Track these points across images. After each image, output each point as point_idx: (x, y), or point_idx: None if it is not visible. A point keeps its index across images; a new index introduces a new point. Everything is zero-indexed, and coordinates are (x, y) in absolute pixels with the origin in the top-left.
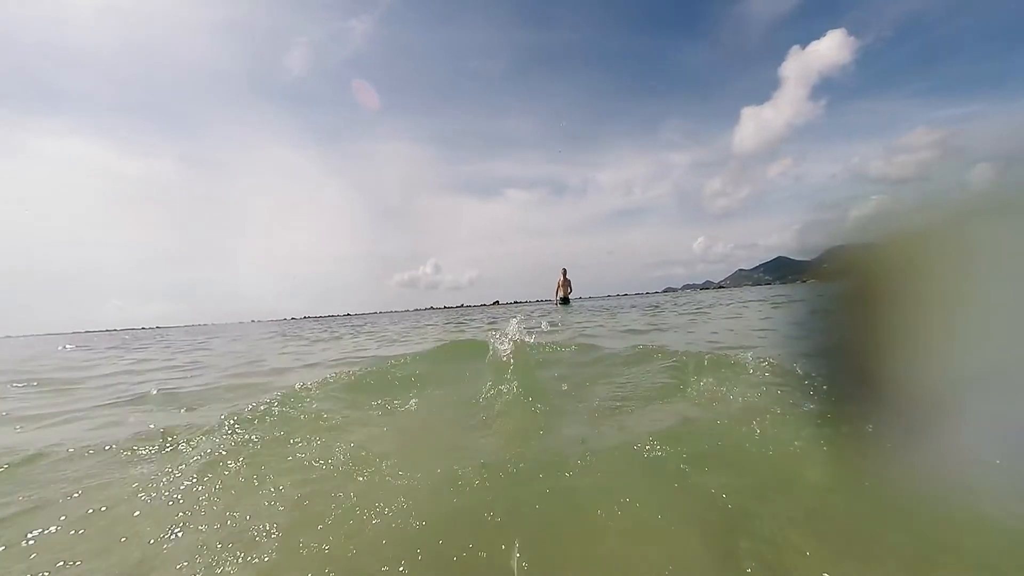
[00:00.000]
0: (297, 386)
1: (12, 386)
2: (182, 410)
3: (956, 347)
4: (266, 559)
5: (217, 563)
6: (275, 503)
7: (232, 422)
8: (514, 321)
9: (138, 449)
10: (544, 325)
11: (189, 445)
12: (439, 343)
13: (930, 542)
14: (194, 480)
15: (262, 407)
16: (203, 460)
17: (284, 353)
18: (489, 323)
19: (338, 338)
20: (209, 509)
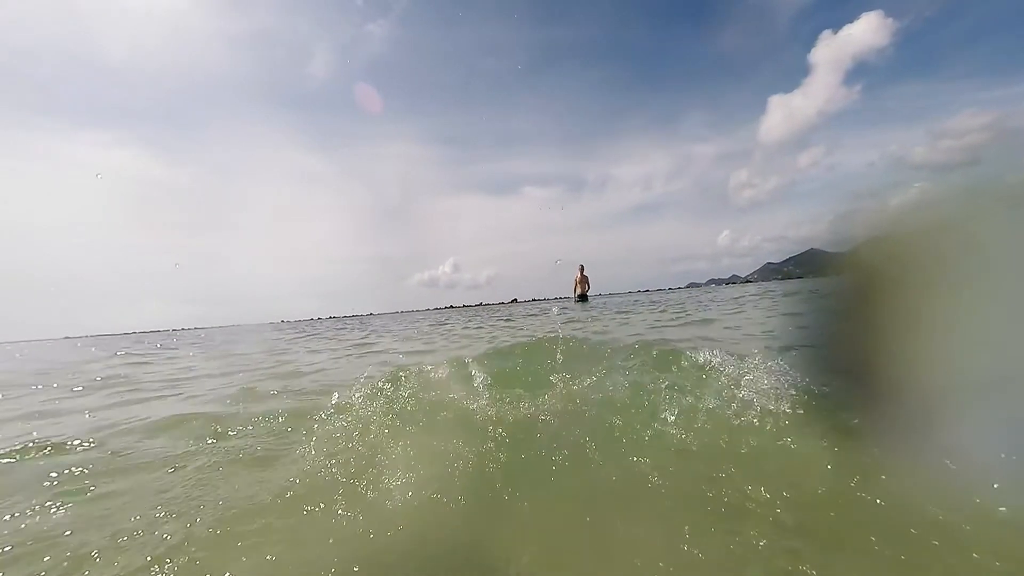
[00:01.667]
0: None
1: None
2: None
3: (996, 343)
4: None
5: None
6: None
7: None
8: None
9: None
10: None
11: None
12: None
13: (931, 541)
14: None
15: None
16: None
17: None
18: (505, 320)
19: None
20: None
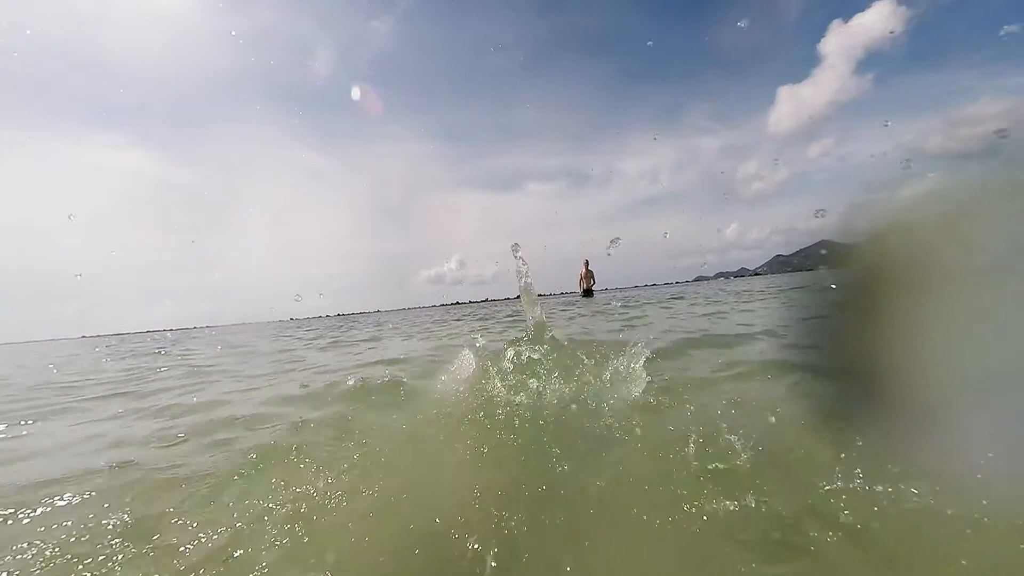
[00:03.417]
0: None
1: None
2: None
3: (1007, 341)
4: None
5: None
6: None
7: None
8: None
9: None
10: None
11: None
12: None
13: (929, 542)
14: None
15: None
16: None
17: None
18: (509, 316)
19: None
20: None
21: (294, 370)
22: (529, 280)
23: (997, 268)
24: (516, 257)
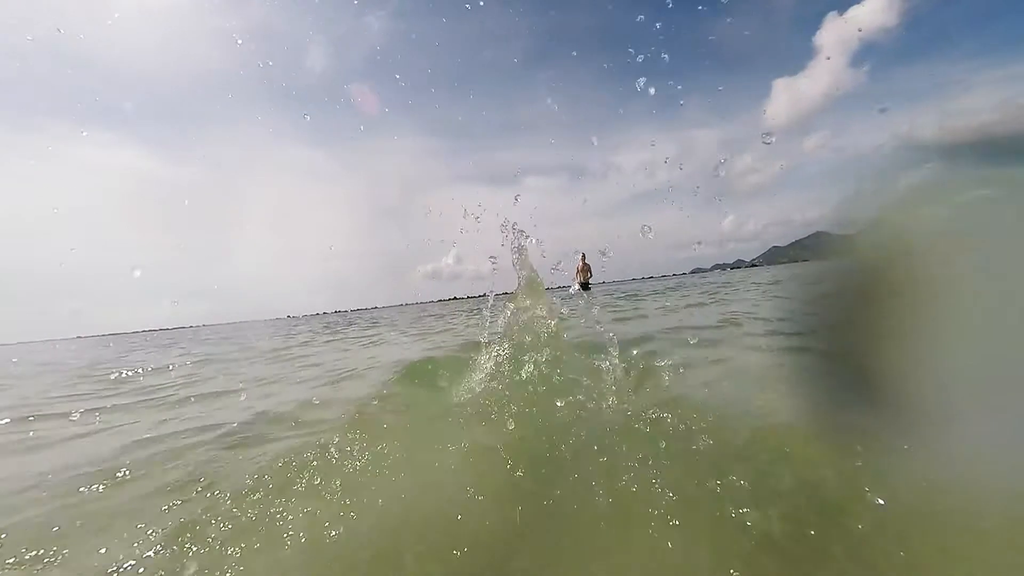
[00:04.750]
0: None
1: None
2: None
3: (1004, 338)
4: None
5: None
6: None
7: None
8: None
9: None
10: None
11: None
12: None
13: (926, 544)
14: None
15: None
16: None
17: None
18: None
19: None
20: None
21: (296, 368)
22: (524, 243)
23: (993, 262)
24: (511, 230)
